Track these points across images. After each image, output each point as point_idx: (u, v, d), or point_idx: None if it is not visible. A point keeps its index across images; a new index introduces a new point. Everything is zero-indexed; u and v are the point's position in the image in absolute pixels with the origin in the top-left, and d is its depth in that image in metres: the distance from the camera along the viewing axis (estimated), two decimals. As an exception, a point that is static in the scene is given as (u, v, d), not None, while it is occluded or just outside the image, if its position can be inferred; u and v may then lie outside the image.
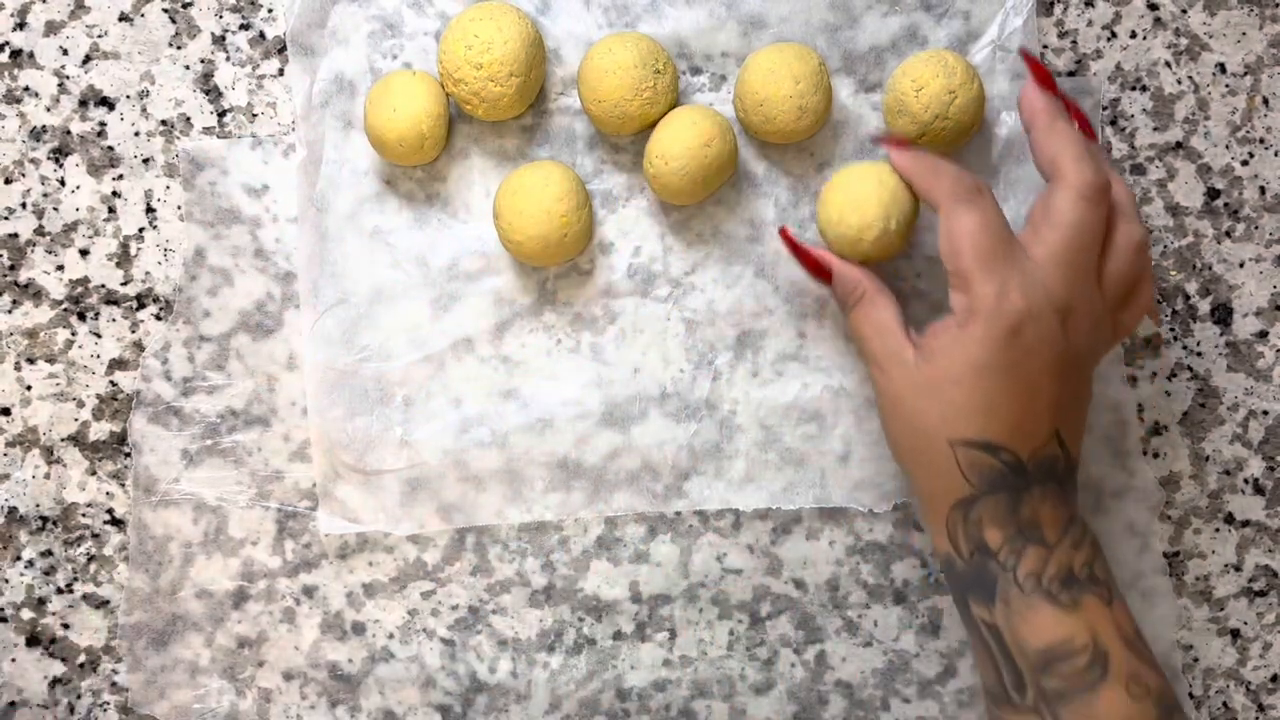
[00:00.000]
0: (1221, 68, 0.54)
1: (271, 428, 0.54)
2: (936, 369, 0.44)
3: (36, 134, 0.54)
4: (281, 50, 0.54)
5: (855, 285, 0.48)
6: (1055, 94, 0.46)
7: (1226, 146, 0.54)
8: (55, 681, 0.54)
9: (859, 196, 0.48)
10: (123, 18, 0.53)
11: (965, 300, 0.44)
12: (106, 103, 0.54)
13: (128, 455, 0.54)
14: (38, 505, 0.54)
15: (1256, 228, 0.54)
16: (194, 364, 0.53)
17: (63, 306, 0.54)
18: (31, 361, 0.54)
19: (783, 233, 0.49)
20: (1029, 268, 0.44)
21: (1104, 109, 0.54)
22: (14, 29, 0.53)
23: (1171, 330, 0.54)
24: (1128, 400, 0.54)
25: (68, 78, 0.53)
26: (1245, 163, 0.54)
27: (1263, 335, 0.54)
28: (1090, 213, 0.44)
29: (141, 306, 0.54)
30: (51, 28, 0.53)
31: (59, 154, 0.54)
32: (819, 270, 0.49)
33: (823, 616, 0.54)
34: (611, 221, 0.53)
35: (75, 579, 0.54)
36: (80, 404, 0.54)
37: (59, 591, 0.54)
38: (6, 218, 0.54)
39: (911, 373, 0.45)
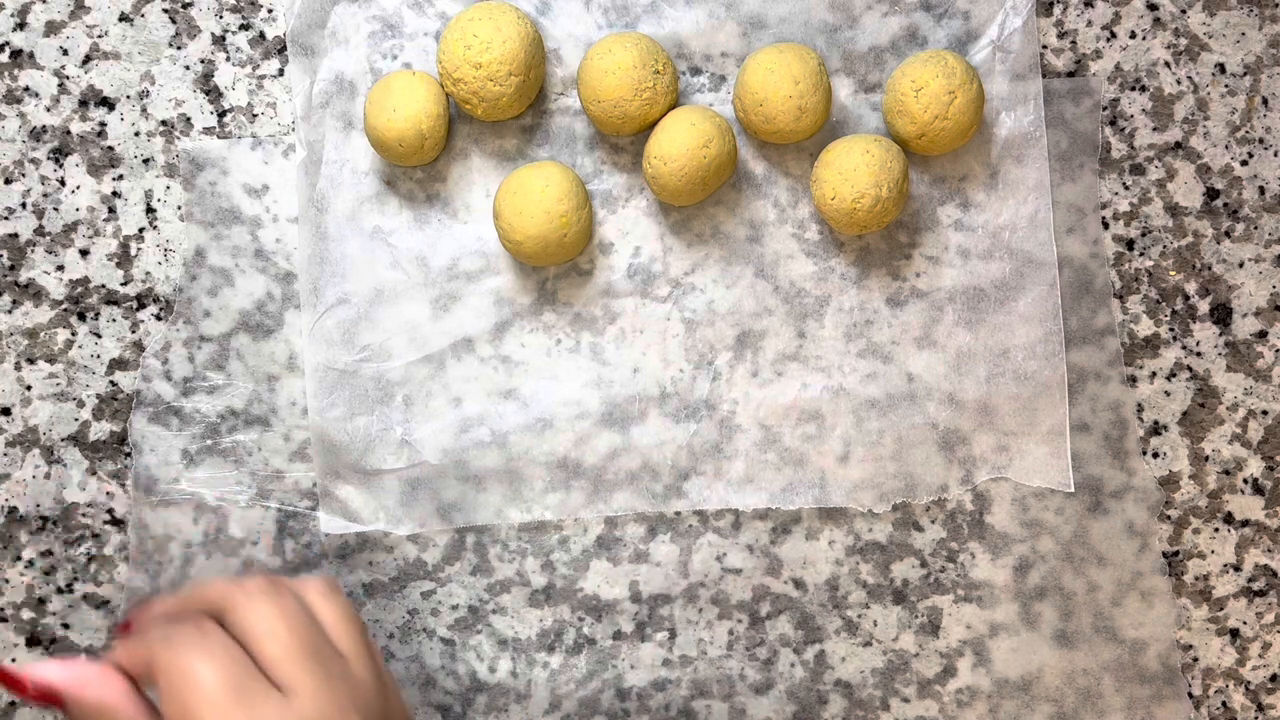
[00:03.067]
0: (1221, 68, 0.54)
1: (271, 428, 0.54)
2: None
3: (36, 134, 0.54)
4: (281, 50, 0.54)
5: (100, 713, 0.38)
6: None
7: (1226, 146, 0.54)
8: (55, 681, 0.54)
9: (848, 169, 0.49)
10: (123, 18, 0.53)
11: None
12: (106, 103, 0.54)
13: (128, 455, 0.54)
14: (38, 505, 0.54)
15: (1256, 228, 0.54)
16: (194, 364, 0.53)
17: (63, 306, 0.54)
18: (31, 361, 0.54)
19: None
20: (286, 702, 0.37)
21: (1104, 109, 0.54)
22: (14, 29, 0.53)
23: (1171, 330, 0.54)
24: (1127, 400, 0.54)
25: (68, 78, 0.53)
26: (1245, 163, 0.54)
27: (1262, 335, 0.54)
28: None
29: (141, 306, 0.54)
30: (52, 28, 0.53)
31: (59, 154, 0.54)
32: (43, 698, 0.38)
33: (822, 616, 0.54)
34: (611, 221, 0.53)
35: (75, 579, 0.54)
36: (80, 404, 0.54)
37: (59, 591, 0.54)
38: (6, 218, 0.54)
39: None
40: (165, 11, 0.54)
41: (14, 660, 0.54)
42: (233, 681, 0.37)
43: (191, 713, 0.36)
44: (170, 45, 0.54)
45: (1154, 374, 0.54)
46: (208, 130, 0.54)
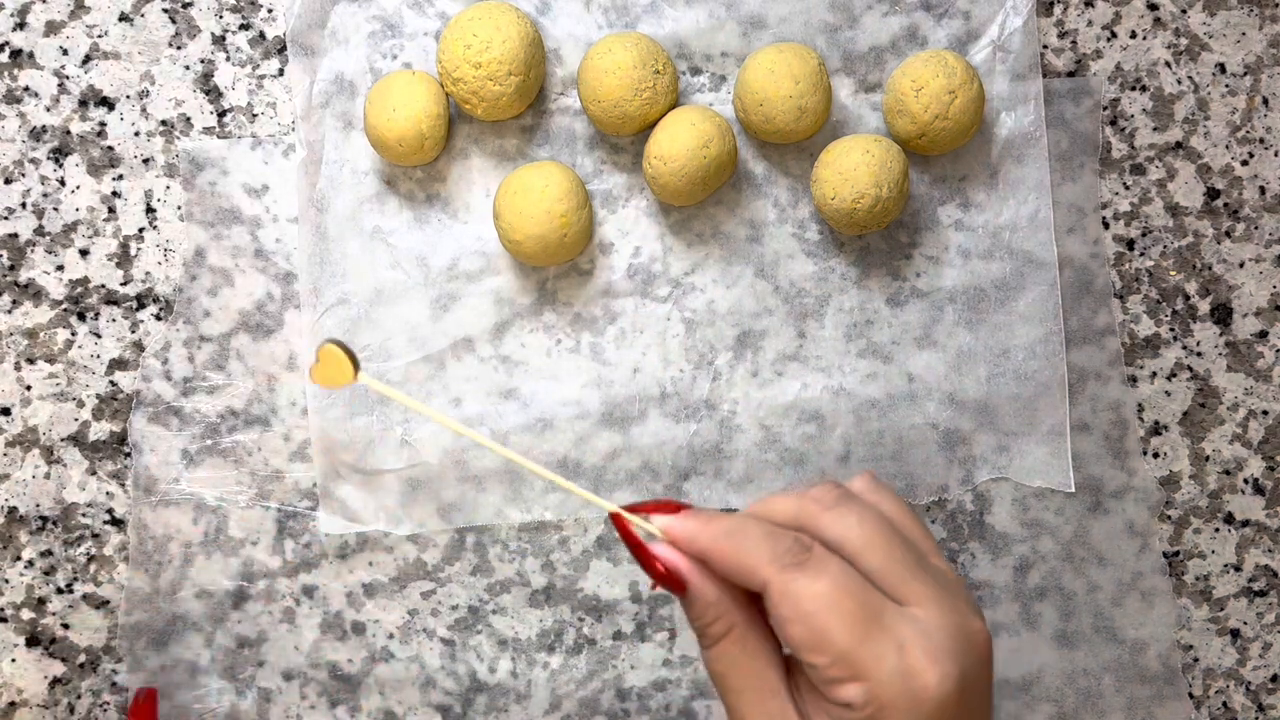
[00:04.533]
0: (1221, 68, 0.54)
1: (271, 428, 0.54)
2: None
3: (36, 134, 0.54)
4: (281, 50, 0.54)
5: (717, 614, 0.36)
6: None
7: (1226, 146, 0.54)
8: (55, 681, 0.54)
9: (848, 169, 0.49)
10: (123, 18, 0.53)
11: (861, 690, 0.33)
12: (106, 103, 0.54)
13: (128, 455, 0.54)
14: (38, 505, 0.54)
15: (1256, 228, 0.54)
16: (194, 364, 0.53)
17: (63, 306, 0.54)
18: (31, 361, 0.54)
19: (616, 519, 0.37)
20: (912, 615, 0.34)
21: (1104, 109, 0.54)
22: (14, 29, 0.53)
23: (1171, 330, 0.54)
24: (1128, 400, 0.54)
25: (68, 78, 0.53)
26: (1245, 163, 0.54)
27: (1263, 335, 0.54)
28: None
29: (141, 306, 0.54)
30: (51, 28, 0.53)
31: (59, 154, 0.54)
32: (668, 580, 0.36)
33: (823, 616, 0.54)
34: (611, 221, 0.53)
35: (75, 579, 0.54)
36: (80, 404, 0.54)
37: (59, 591, 0.54)
38: (6, 218, 0.54)
39: None
40: (165, 11, 0.53)
41: (13, 660, 0.54)
42: (859, 598, 0.34)
43: (825, 634, 0.33)
44: (170, 45, 0.54)
45: (1154, 374, 0.54)
46: (208, 130, 0.54)
